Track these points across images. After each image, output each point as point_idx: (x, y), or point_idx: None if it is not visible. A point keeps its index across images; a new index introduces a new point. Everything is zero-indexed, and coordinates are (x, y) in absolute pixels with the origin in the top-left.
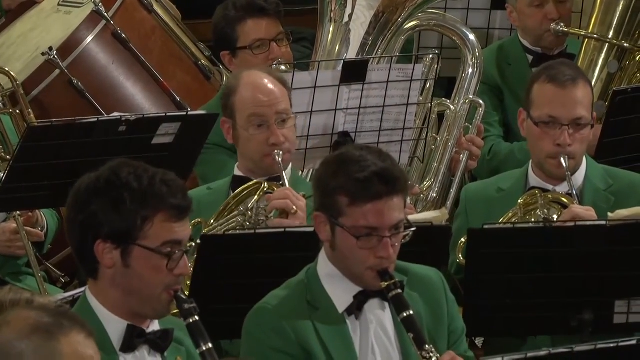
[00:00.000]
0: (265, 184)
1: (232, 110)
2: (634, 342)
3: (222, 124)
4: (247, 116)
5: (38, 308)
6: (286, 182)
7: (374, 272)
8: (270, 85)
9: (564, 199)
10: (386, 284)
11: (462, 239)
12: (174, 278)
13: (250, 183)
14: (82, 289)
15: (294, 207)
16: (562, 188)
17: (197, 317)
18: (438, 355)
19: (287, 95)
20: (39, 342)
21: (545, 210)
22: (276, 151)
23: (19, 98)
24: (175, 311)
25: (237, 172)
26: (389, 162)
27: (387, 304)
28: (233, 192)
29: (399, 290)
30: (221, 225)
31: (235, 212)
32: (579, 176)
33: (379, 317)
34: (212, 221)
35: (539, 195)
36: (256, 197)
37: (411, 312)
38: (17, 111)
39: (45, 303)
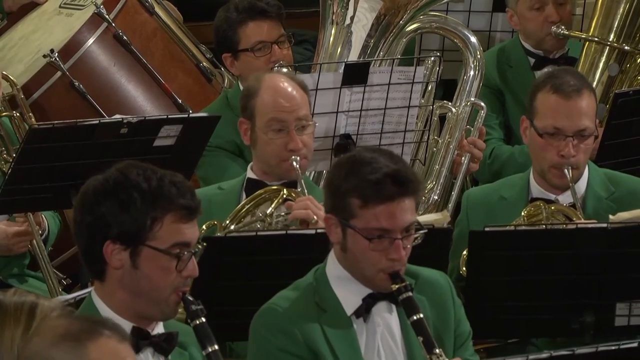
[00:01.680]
0: (285, 190)
1: (251, 112)
2: (635, 344)
3: (240, 125)
4: (267, 120)
5: (69, 317)
6: (304, 189)
7: (385, 274)
8: (291, 91)
9: (568, 212)
10: (397, 286)
11: (465, 252)
12: (182, 280)
13: (269, 188)
14: (85, 290)
15: (315, 217)
16: (565, 197)
17: (204, 319)
18: (447, 359)
19: (307, 101)
20: (67, 350)
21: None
22: (294, 157)
23: (19, 102)
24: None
25: (251, 174)
26: (401, 164)
27: (394, 307)
28: (246, 193)
29: (410, 293)
30: (238, 230)
31: (254, 217)
32: (581, 184)
33: (387, 320)
34: (227, 222)
35: (542, 207)
36: (275, 203)
37: (421, 316)
38: (17, 114)
39: (69, 310)
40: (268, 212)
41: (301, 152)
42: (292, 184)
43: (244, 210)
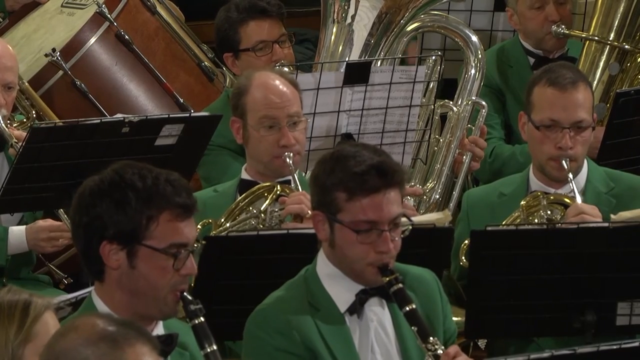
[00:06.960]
0: (278, 186)
1: (243, 110)
2: (636, 343)
3: (232, 124)
4: (259, 117)
5: (105, 317)
6: (298, 184)
7: (375, 268)
8: (282, 87)
9: (566, 200)
10: (387, 279)
11: (465, 242)
12: (180, 278)
13: (262, 185)
14: (84, 290)
15: (309, 211)
16: (564, 191)
17: (202, 319)
18: (443, 347)
19: (298, 98)
20: (104, 350)
21: (548, 212)
22: (287, 153)
23: (27, 94)
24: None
25: (245, 175)
26: (384, 156)
27: (386, 303)
28: (240, 195)
29: (401, 285)
30: (233, 227)
31: (248, 214)
32: (580, 179)
33: (379, 315)
34: (222, 220)
35: (541, 196)
36: (269, 200)
37: (414, 306)
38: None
39: (105, 315)
40: (262, 208)
41: (294, 148)
42: (287, 182)
43: (238, 208)
